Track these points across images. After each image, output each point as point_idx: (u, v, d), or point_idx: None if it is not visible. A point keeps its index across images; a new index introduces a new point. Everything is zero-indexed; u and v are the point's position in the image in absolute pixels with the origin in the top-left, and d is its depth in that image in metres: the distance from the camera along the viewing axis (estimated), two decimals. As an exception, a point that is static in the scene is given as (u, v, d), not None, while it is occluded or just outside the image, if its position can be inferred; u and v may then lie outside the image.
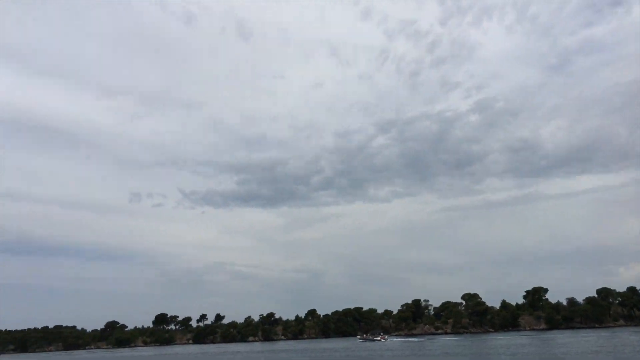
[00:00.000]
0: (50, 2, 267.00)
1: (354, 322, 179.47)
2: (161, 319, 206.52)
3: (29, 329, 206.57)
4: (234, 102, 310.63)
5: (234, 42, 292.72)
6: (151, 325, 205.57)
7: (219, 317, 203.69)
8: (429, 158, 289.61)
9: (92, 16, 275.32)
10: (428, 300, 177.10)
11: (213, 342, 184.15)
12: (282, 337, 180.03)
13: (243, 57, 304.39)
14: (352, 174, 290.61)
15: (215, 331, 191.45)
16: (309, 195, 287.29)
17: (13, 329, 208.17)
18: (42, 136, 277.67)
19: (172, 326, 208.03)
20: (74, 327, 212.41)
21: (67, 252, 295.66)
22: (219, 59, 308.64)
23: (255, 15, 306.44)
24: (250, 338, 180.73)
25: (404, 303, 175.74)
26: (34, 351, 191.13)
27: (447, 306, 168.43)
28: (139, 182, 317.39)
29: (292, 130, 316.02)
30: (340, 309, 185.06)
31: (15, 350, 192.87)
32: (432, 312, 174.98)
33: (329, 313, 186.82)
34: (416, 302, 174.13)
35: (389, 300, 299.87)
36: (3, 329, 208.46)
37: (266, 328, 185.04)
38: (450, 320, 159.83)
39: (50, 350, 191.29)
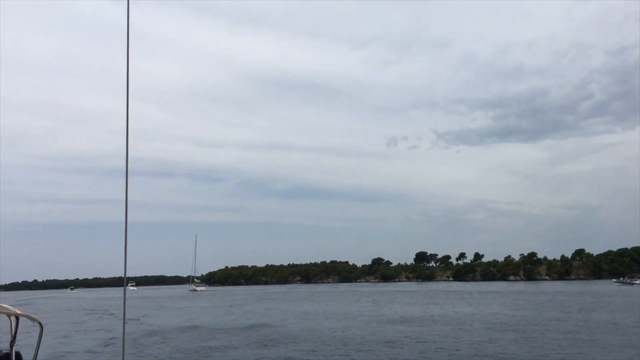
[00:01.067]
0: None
1: (632, 263, 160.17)
2: (421, 257, 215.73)
3: (311, 263, 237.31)
4: (485, 33, 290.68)
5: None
6: (412, 262, 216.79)
7: (477, 256, 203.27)
8: None
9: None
10: None
11: (473, 279, 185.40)
12: (546, 277, 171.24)
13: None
14: (630, 96, 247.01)
15: (475, 269, 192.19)
16: (577, 125, 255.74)
17: (298, 263, 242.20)
18: (307, 93, 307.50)
19: (432, 263, 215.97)
20: (347, 262, 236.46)
21: (334, 195, 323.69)
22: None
23: None
24: (511, 277, 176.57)
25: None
26: (315, 282, 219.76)
27: None
28: (394, 127, 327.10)
29: (553, 55, 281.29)
30: (615, 249, 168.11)
31: (301, 281, 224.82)
32: None
33: (601, 253, 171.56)
34: None
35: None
36: (290, 263, 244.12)
37: (528, 268, 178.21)
38: None
39: (329, 282, 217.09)
